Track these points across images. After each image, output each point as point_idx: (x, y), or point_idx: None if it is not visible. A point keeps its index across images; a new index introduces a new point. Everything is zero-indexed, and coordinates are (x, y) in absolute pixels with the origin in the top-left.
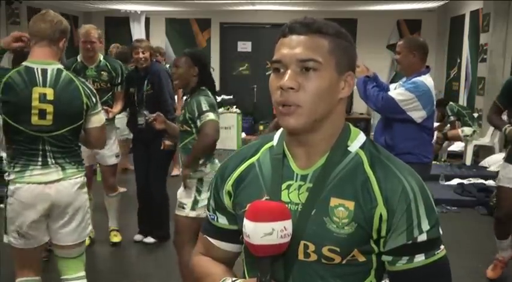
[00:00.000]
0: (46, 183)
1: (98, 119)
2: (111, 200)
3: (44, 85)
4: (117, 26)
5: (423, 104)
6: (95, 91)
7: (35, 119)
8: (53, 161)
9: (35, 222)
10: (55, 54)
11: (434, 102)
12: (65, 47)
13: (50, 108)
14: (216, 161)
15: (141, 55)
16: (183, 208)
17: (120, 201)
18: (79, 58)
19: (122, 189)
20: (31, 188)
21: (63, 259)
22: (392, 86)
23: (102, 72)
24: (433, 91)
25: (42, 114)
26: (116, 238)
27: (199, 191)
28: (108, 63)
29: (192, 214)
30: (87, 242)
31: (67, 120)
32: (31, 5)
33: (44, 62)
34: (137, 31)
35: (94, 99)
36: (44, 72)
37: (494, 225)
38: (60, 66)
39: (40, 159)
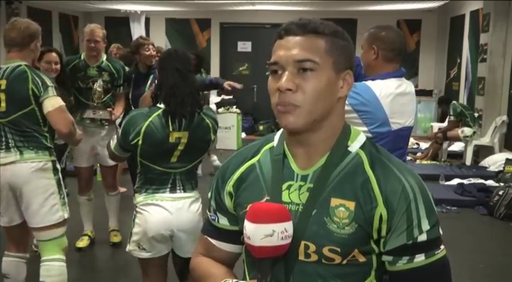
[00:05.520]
0: (4, 164)
1: (49, 103)
2: (111, 199)
3: (1, 78)
4: (117, 26)
5: (364, 119)
6: (48, 81)
7: None
8: (13, 145)
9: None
10: (26, 55)
11: (401, 121)
12: (38, 46)
13: (2, 96)
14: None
15: (152, 52)
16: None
17: (120, 201)
18: (83, 56)
19: (122, 189)
20: None
21: (39, 241)
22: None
23: (103, 73)
24: (392, 103)
25: None
26: (116, 238)
27: (133, 222)
28: (110, 64)
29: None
30: (86, 242)
31: (16, 105)
32: (31, 5)
33: (11, 62)
34: (137, 31)
35: (43, 86)
36: (6, 68)
37: None
38: (22, 63)
39: (4, 144)
